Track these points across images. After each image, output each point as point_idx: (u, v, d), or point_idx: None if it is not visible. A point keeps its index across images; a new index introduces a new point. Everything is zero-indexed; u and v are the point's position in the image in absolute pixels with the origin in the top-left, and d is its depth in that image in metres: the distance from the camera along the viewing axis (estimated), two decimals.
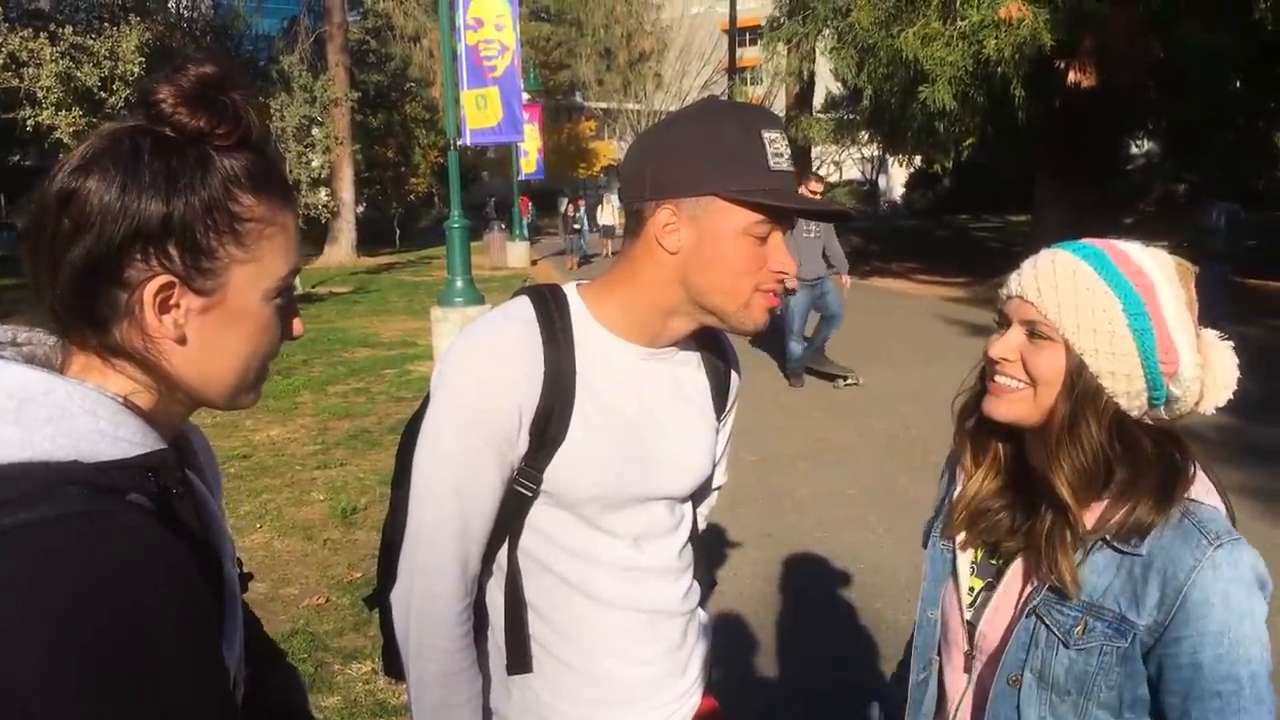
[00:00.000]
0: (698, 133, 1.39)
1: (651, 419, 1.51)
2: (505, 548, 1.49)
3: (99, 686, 0.76)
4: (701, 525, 1.78)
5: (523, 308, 1.46)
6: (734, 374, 1.68)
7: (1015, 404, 1.34)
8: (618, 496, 1.47)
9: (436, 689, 1.47)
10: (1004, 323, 1.37)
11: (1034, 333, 1.32)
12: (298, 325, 1.06)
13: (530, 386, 1.40)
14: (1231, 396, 1.34)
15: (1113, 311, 1.27)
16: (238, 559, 1.09)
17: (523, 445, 1.42)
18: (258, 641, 1.23)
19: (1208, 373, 1.32)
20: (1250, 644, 1.22)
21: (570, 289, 1.52)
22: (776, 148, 1.39)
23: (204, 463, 1.09)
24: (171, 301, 0.92)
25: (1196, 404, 1.32)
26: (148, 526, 0.82)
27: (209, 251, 0.92)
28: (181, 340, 0.93)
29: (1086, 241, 1.35)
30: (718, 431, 1.66)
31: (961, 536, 1.48)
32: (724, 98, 1.57)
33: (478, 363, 1.43)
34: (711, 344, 1.64)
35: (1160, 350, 1.27)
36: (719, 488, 1.82)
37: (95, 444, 0.85)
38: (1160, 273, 1.30)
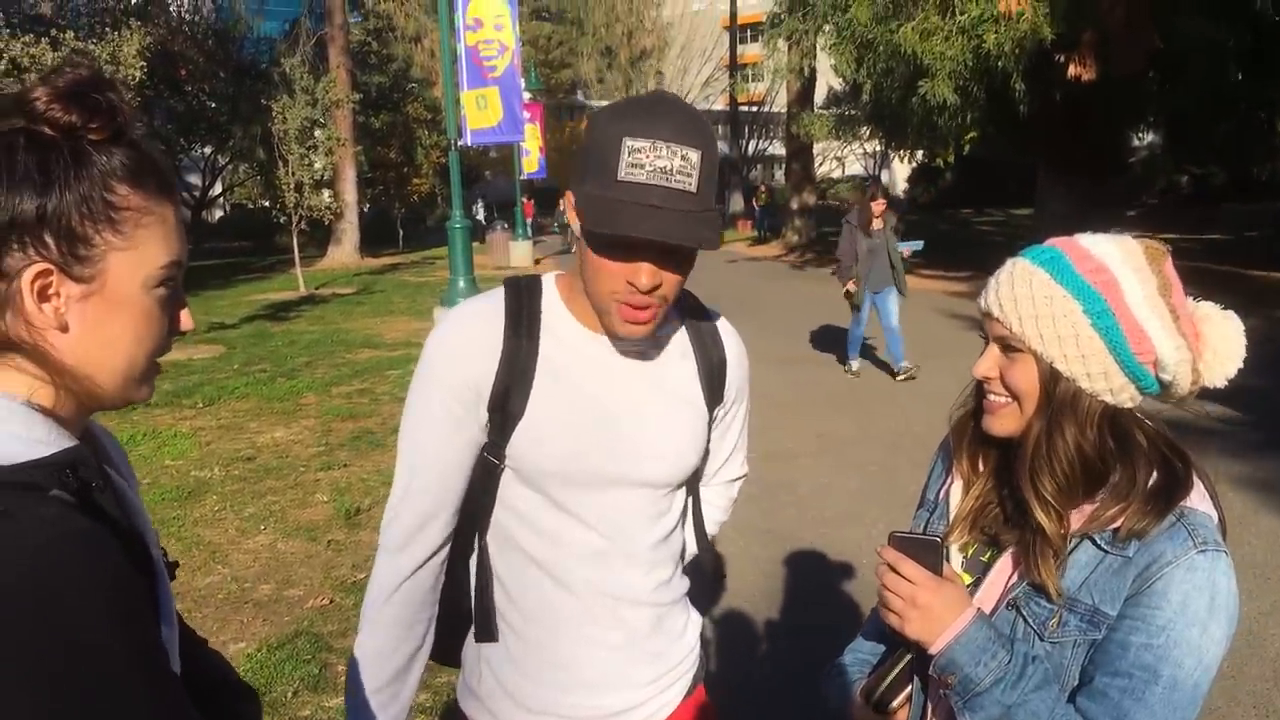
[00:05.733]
0: (597, 126, 1.39)
1: (622, 404, 1.54)
2: (482, 523, 1.58)
3: (38, 672, 0.78)
4: (723, 515, 1.83)
5: (497, 293, 1.56)
6: (730, 363, 1.67)
7: (1006, 420, 1.36)
8: (581, 474, 1.51)
9: (384, 634, 1.58)
10: (985, 338, 1.38)
11: (1007, 347, 1.33)
12: (185, 319, 1.08)
13: (485, 363, 1.48)
14: (1241, 367, 1.32)
15: (1074, 315, 1.27)
16: (162, 548, 1.14)
17: (483, 417, 1.50)
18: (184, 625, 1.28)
19: (1205, 347, 1.31)
20: (1187, 652, 1.22)
21: (549, 279, 1.59)
22: (638, 158, 1.32)
23: (117, 459, 1.13)
24: (51, 290, 0.94)
25: (1196, 383, 1.30)
26: (68, 516, 0.86)
27: (85, 239, 0.95)
28: (64, 328, 0.96)
29: (1048, 243, 1.34)
30: (712, 421, 1.66)
31: (962, 540, 1.49)
32: (670, 92, 1.49)
33: (444, 337, 1.55)
34: (708, 332, 1.66)
35: (1132, 343, 1.26)
36: (739, 479, 1.84)
37: (10, 447, 0.89)
38: (1124, 263, 1.29)
